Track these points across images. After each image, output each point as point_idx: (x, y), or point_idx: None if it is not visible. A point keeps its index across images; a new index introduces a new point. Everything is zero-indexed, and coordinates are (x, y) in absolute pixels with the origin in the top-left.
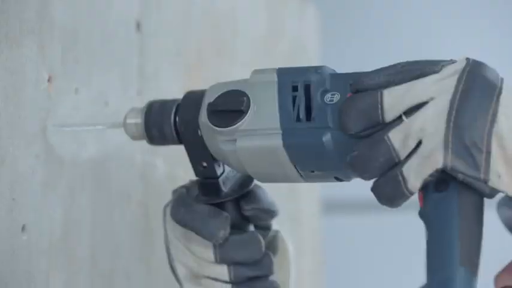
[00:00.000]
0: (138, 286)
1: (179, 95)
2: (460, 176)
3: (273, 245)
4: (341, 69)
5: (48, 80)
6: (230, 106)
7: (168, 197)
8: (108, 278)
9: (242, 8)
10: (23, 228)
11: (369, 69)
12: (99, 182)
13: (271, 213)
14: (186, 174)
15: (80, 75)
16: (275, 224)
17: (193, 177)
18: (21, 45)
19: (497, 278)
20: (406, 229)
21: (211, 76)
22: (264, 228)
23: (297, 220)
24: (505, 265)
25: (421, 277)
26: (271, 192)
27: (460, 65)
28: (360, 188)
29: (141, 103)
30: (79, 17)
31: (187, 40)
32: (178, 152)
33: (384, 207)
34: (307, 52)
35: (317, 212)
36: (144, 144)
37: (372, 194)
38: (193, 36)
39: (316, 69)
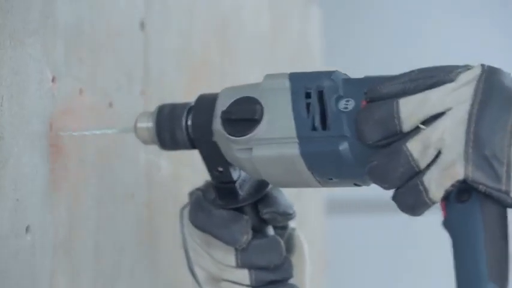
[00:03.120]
0: (142, 285)
1: (183, 95)
2: (482, 188)
3: (289, 243)
4: (344, 68)
5: (52, 80)
6: (244, 115)
7: (171, 197)
8: (111, 278)
9: (246, 8)
10: (27, 228)
11: (372, 69)
12: (103, 182)
13: (289, 215)
14: (191, 174)
15: (84, 75)
16: (291, 222)
17: (198, 178)
18: (25, 45)
19: None
20: (407, 229)
21: (215, 75)
22: (282, 228)
23: (302, 220)
24: None
25: (422, 276)
26: None
27: (475, 72)
28: (364, 188)
29: (146, 103)
30: (83, 16)
31: (192, 39)
32: (183, 152)
33: (386, 207)
34: (311, 51)
35: (322, 211)
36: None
37: (375, 194)
38: (198, 36)
39: (329, 75)
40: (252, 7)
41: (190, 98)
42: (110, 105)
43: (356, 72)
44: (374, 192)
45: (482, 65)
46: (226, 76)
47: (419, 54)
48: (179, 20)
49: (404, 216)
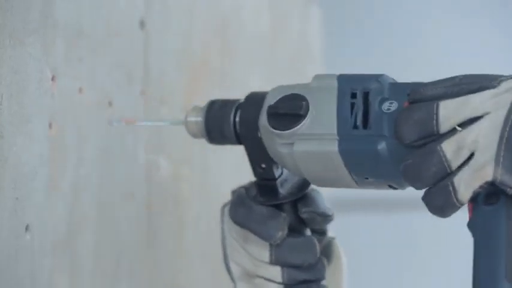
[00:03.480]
0: (141, 284)
1: (183, 94)
2: (510, 191)
3: (327, 252)
4: (344, 68)
5: (52, 79)
6: (289, 109)
7: (171, 196)
8: (111, 277)
9: (246, 8)
10: (27, 227)
11: (372, 69)
12: (103, 181)
13: (327, 217)
14: (190, 173)
15: (84, 75)
16: (331, 231)
17: (197, 178)
18: (25, 44)
19: None
20: (411, 228)
21: (215, 75)
22: (320, 233)
23: None
24: None
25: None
26: None
27: None
28: None
29: (145, 103)
30: (83, 16)
31: (192, 39)
32: (182, 151)
33: (390, 206)
34: (311, 51)
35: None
36: (148, 143)
37: (377, 194)
38: (198, 35)
39: (377, 78)
40: (252, 7)
41: (190, 98)
42: (110, 104)
43: (356, 72)
44: (376, 192)
45: None
46: (226, 76)
47: (420, 54)
48: (179, 20)
49: (407, 216)
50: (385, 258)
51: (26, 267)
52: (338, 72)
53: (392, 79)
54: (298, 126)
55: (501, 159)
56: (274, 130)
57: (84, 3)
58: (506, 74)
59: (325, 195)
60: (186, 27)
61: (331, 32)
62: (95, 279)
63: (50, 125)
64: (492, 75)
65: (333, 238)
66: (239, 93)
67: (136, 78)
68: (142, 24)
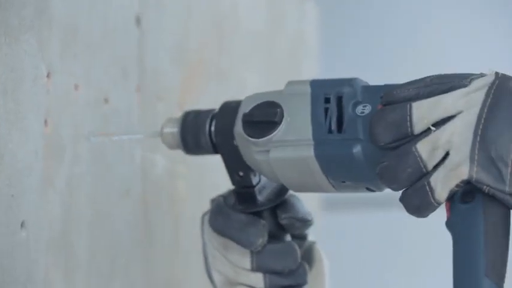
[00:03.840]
0: (136, 282)
1: (179, 91)
2: (485, 189)
3: (308, 256)
4: (341, 66)
5: (47, 76)
6: (264, 117)
7: (167, 193)
8: (106, 274)
9: (242, 4)
10: (22, 224)
11: (369, 67)
12: (98, 178)
13: (307, 222)
14: (186, 170)
15: (79, 71)
16: (311, 235)
17: (193, 176)
18: (20, 41)
19: None
20: (403, 226)
21: (211, 72)
22: (300, 238)
23: None
24: None
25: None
26: None
27: (489, 79)
28: None
29: (141, 99)
30: (78, 12)
31: (188, 36)
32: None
33: (382, 204)
34: (307, 48)
35: (317, 209)
36: (143, 139)
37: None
38: (194, 32)
39: (350, 81)
40: (248, 3)
41: (186, 95)
42: (106, 101)
43: (352, 70)
44: None
45: (497, 73)
46: (222, 73)
47: (417, 52)
48: (175, 17)
49: (399, 214)
50: (380, 255)
51: (21, 264)
52: (334, 69)
53: (366, 82)
54: (273, 134)
55: (476, 158)
56: (249, 138)
57: (80, 0)
58: (505, 74)
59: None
60: (182, 24)
61: (327, 29)
62: (91, 276)
63: (46, 122)
64: (463, 74)
65: (314, 242)
66: (235, 90)
67: (132, 75)
68: (138, 20)
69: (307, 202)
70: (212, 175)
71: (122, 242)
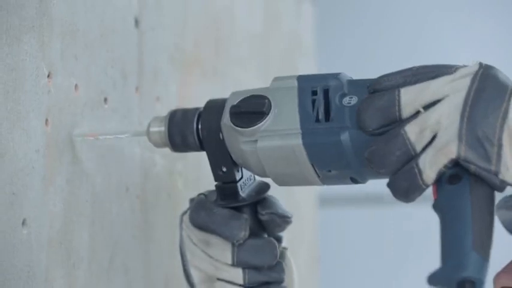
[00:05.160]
0: (136, 279)
1: (177, 91)
2: (472, 168)
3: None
4: (337, 65)
5: (48, 76)
6: (252, 108)
7: (166, 191)
8: (106, 272)
9: (239, 5)
10: (23, 222)
11: (365, 67)
12: (98, 176)
13: (287, 219)
14: (185, 168)
15: (79, 71)
16: (285, 240)
17: (191, 173)
18: (21, 41)
19: (496, 278)
20: (400, 223)
21: (209, 72)
22: (276, 240)
23: (295, 215)
24: (504, 265)
25: (415, 268)
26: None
27: (473, 68)
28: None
29: (140, 99)
30: (78, 13)
31: (186, 36)
32: None
33: (380, 201)
34: (304, 48)
35: (314, 206)
36: (142, 138)
37: (367, 188)
38: (191, 33)
39: (335, 76)
40: (245, 4)
41: (184, 94)
42: (105, 101)
43: (348, 70)
44: (366, 186)
45: (480, 63)
46: (219, 73)
47: (413, 50)
48: (173, 18)
49: (398, 210)
50: (377, 252)
51: (22, 262)
52: (330, 69)
53: (350, 77)
54: (261, 123)
55: (464, 136)
56: (237, 128)
57: (80, 1)
58: (505, 73)
59: (318, 189)
60: (180, 24)
61: (323, 29)
62: (91, 272)
63: (46, 121)
64: (448, 65)
65: (286, 249)
66: (232, 90)
67: (131, 75)
68: (136, 21)
69: (305, 199)
70: (210, 173)
71: (121, 238)
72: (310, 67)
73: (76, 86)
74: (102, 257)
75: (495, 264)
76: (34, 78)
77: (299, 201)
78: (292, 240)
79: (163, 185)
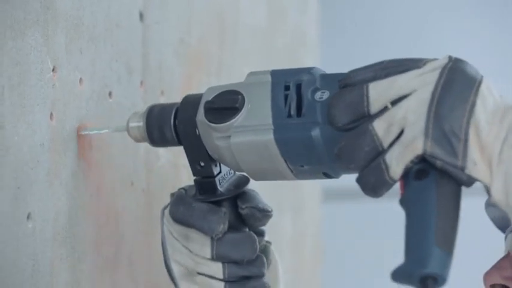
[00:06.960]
0: (141, 273)
1: (182, 85)
2: (439, 163)
3: (264, 256)
4: (341, 60)
5: (53, 70)
6: (225, 104)
7: (170, 185)
8: (111, 265)
9: (244, 0)
10: (28, 216)
11: (369, 62)
12: (103, 170)
13: (267, 212)
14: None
15: (84, 65)
16: (267, 235)
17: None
18: (26, 35)
19: (486, 275)
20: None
21: (213, 65)
22: (258, 234)
23: (299, 208)
24: (494, 263)
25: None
26: (275, 183)
27: (442, 62)
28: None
29: (145, 93)
30: (83, 7)
31: (190, 31)
32: None
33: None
34: (308, 43)
35: (318, 199)
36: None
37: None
38: (196, 27)
39: (309, 70)
40: None
41: (188, 88)
42: (110, 95)
43: (352, 64)
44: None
45: (450, 56)
46: (223, 66)
47: (417, 46)
48: (178, 12)
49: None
50: (381, 245)
51: (27, 255)
52: (334, 64)
53: (323, 71)
54: (234, 119)
55: (430, 132)
56: (211, 124)
57: None
58: (496, 72)
59: (322, 183)
60: (185, 18)
61: (328, 24)
62: (95, 266)
63: (51, 115)
64: (417, 58)
65: (269, 243)
66: None
67: (135, 69)
68: (141, 15)
69: (309, 192)
70: None
71: (126, 233)
72: (314, 62)
73: (81, 80)
74: (106, 250)
75: (485, 262)
76: (39, 72)
77: (303, 195)
78: (297, 233)
79: (168, 178)
